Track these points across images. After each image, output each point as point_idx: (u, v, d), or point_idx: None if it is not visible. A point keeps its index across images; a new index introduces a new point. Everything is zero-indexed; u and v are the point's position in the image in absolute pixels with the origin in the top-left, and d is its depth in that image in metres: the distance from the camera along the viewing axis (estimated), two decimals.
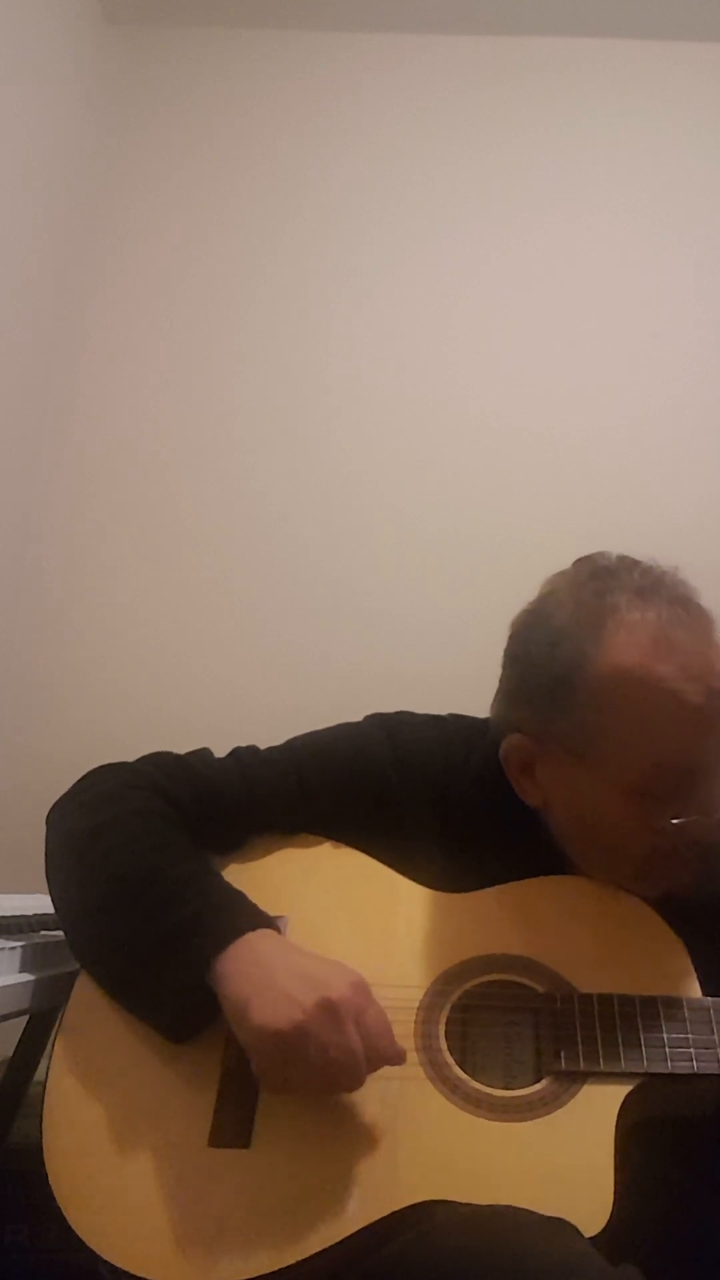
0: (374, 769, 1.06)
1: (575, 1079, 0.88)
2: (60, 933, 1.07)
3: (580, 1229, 0.76)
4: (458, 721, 1.13)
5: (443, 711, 1.15)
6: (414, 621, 2.17)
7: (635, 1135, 0.86)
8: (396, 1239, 0.78)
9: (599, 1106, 0.86)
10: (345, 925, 0.99)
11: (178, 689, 2.15)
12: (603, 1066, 0.88)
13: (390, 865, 1.03)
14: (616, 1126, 0.84)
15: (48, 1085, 0.91)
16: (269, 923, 0.92)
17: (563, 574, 1.03)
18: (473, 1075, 0.90)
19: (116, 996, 0.94)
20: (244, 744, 1.12)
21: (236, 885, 0.96)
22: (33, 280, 2.21)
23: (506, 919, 0.99)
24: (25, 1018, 1.23)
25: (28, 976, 1.02)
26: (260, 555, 2.25)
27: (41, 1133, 0.88)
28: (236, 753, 1.10)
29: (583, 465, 2.24)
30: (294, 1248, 0.80)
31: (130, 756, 1.10)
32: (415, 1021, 0.92)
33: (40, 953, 1.08)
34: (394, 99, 2.50)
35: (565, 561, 1.04)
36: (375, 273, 2.40)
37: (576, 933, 0.98)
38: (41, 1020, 1.34)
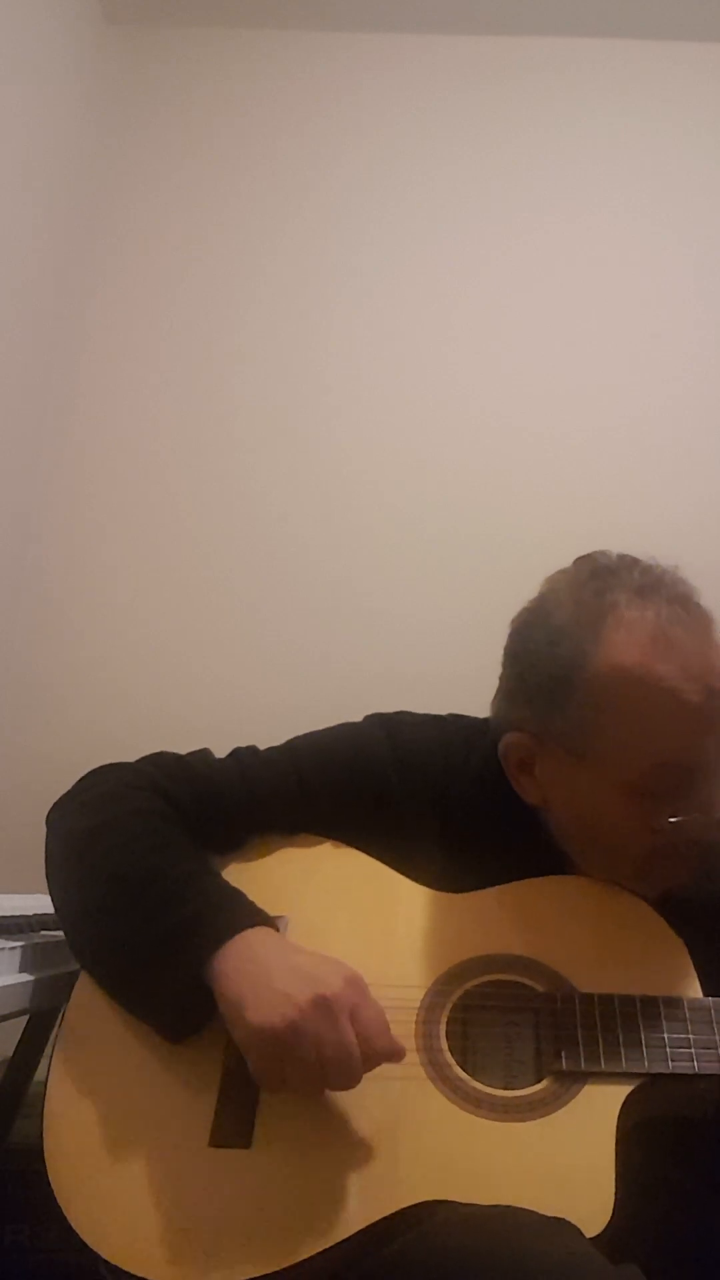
0: (374, 769, 1.05)
1: (576, 1079, 0.88)
2: (60, 933, 1.07)
3: (581, 1229, 0.76)
4: (458, 721, 1.13)
5: (443, 711, 1.15)
6: (414, 621, 2.17)
7: (636, 1135, 0.86)
8: (397, 1239, 0.78)
9: (600, 1106, 0.86)
10: (345, 925, 0.99)
11: (178, 689, 2.15)
12: (604, 1066, 0.88)
13: (390, 865, 1.03)
14: (617, 1126, 0.84)
15: (48, 1085, 0.91)
16: (267, 920, 0.92)
17: (563, 572, 1.03)
18: (473, 1075, 0.90)
19: (116, 996, 0.94)
20: (244, 744, 1.12)
21: (237, 885, 0.96)
22: (33, 280, 2.21)
23: (507, 919, 0.99)
24: (25, 1018, 1.23)
25: (28, 976, 1.02)
26: (260, 555, 2.25)
27: (42, 1133, 0.88)
28: (236, 753, 1.10)
29: (583, 465, 2.24)
30: (295, 1248, 0.80)
31: (130, 756, 1.10)
32: (416, 1021, 0.92)
33: (40, 953, 1.08)
34: (394, 99, 2.50)
35: (565, 561, 1.04)
36: (375, 273, 2.40)
37: (577, 933, 0.98)
38: (41, 1020, 1.34)
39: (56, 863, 1.01)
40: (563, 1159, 0.83)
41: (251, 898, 0.94)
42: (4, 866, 1.48)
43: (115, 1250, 0.81)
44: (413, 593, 2.20)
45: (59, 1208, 0.84)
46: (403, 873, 1.02)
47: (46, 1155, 0.87)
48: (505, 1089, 0.89)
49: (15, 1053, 1.39)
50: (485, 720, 1.07)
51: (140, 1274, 0.80)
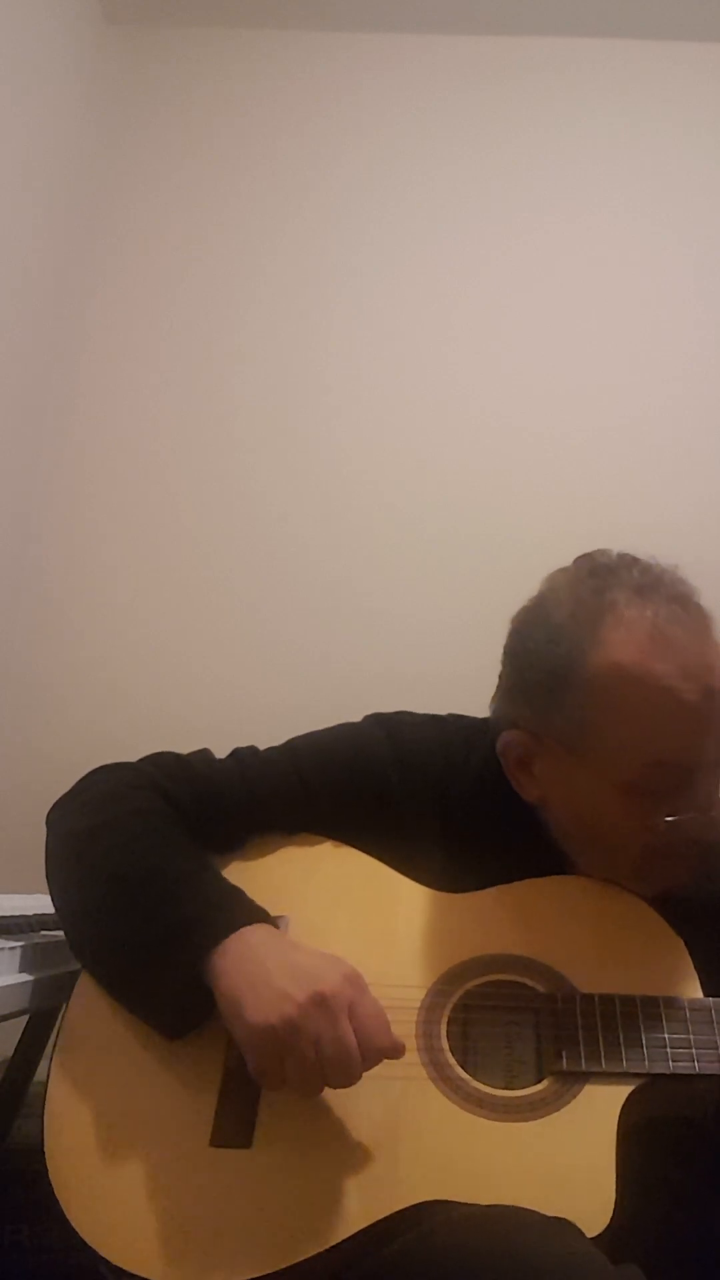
0: (374, 769, 1.06)
1: (577, 1079, 0.88)
2: (60, 933, 1.07)
3: (582, 1229, 0.76)
4: (458, 721, 1.13)
5: (443, 711, 1.15)
6: (414, 621, 2.17)
7: (637, 1135, 0.86)
8: (398, 1239, 0.78)
9: (600, 1106, 0.86)
10: (346, 925, 0.99)
11: (178, 689, 2.15)
12: (604, 1066, 0.88)
13: (390, 865, 1.03)
14: (618, 1126, 0.84)
15: (49, 1085, 0.91)
16: (266, 918, 0.92)
17: (563, 571, 1.03)
18: (474, 1075, 0.90)
19: (116, 995, 0.94)
20: (244, 744, 1.12)
21: (237, 885, 0.96)
22: (33, 280, 2.21)
23: (507, 919, 0.99)
24: (25, 1018, 1.23)
25: (27, 976, 1.02)
26: (260, 555, 2.25)
27: (42, 1133, 0.88)
28: (237, 753, 1.10)
29: (583, 465, 2.24)
30: (295, 1248, 0.80)
31: (130, 756, 1.10)
32: (416, 1021, 0.92)
33: (40, 953, 1.08)
34: (394, 99, 2.50)
35: (565, 561, 1.04)
36: (375, 273, 2.40)
37: (577, 933, 0.98)
38: (41, 1020, 1.34)
39: (56, 862, 1.01)
40: (563, 1159, 0.83)
41: (252, 897, 0.94)
42: (4, 866, 1.49)
43: (115, 1250, 0.81)
44: (413, 593, 2.20)
45: (59, 1207, 0.84)
46: (403, 873, 1.02)
47: (47, 1155, 0.87)
48: (506, 1089, 0.89)
49: (15, 1053, 1.39)
50: (485, 720, 1.07)
51: (140, 1273, 0.80)
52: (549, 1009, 0.92)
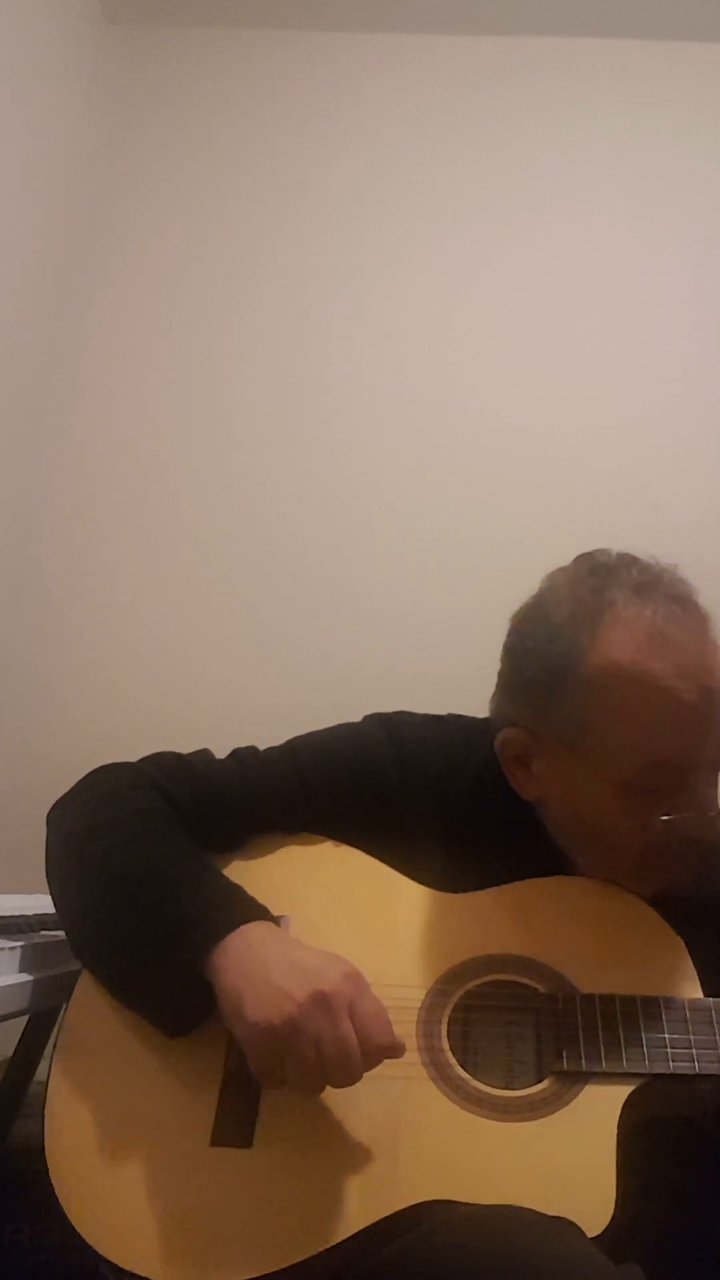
0: (375, 769, 1.06)
1: (577, 1079, 0.88)
2: (60, 933, 1.07)
3: (582, 1229, 0.76)
4: (458, 721, 1.13)
5: (443, 711, 1.15)
6: (414, 621, 2.17)
7: (637, 1135, 0.86)
8: (398, 1239, 0.78)
9: (601, 1106, 0.86)
10: (346, 925, 0.98)
11: (178, 689, 2.15)
12: (604, 1067, 0.88)
13: (391, 865, 1.03)
14: (618, 1126, 0.84)
15: (49, 1085, 0.91)
16: (266, 915, 0.92)
17: (563, 570, 1.03)
18: (474, 1075, 0.90)
19: (117, 994, 0.94)
20: (244, 744, 1.12)
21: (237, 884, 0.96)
22: (33, 280, 2.21)
23: (507, 919, 0.99)
24: (25, 1018, 1.23)
25: (27, 976, 1.02)
26: (260, 555, 2.25)
27: (42, 1132, 0.88)
28: (237, 753, 1.10)
29: (583, 465, 2.25)
30: (295, 1247, 0.80)
31: (130, 756, 1.10)
32: (417, 1021, 0.92)
33: (40, 953, 1.08)
34: (394, 99, 2.50)
35: (565, 561, 1.04)
36: (375, 273, 2.40)
37: (577, 933, 0.98)
38: (41, 1020, 1.34)
39: (57, 862, 1.01)
40: (564, 1159, 0.83)
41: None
42: (4, 866, 1.48)
43: (116, 1249, 0.81)
44: (413, 593, 2.20)
45: (59, 1207, 0.84)
46: (403, 873, 1.02)
47: (47, 1155, 0.87)
48: (506, 1089, 0.89)
49: (15, 1053, 1.39)
50: (485, 720, 1.07)
51: (141, 1273, 0.80)
52: (549, 1009, 0.92)
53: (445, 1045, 0.91)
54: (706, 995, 0.92)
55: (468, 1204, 0.79)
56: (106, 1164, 0.86)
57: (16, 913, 1.21)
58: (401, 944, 0.97)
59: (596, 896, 0.99)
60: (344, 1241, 0.80)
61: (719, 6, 2.42)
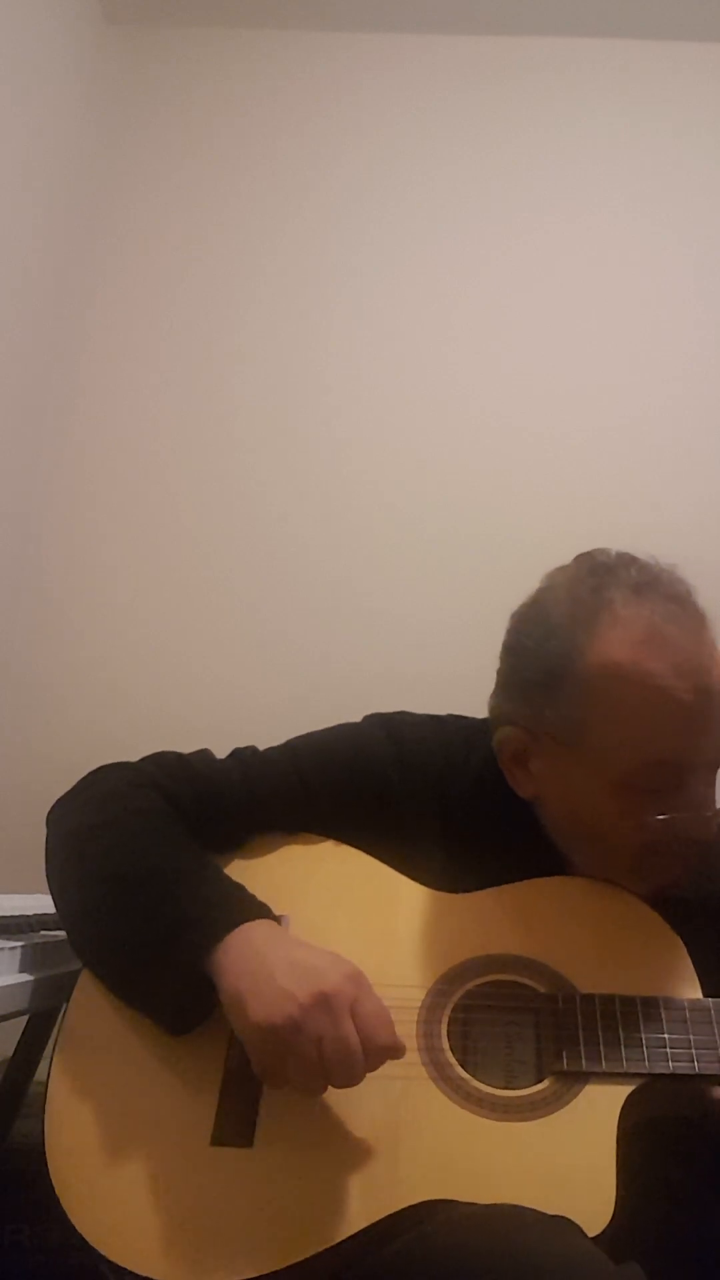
0: (375, 769, 1.06)
1: (577, 1079, 0.88)
2: (60, 933, 1.07)
3: (582, 1229, 0.76)
4: (457, 721, 1.13)
5: (443, 711, 1.15)
6: (414, 621, 2.17)
7: (637, 1135, 0.86)
8: (398, 1238, 0.78)
9: (601, 1106, 0.86)
10: (346, 925, 0.98)
11: (178, 689, 2.15)
12: (604, 1067, 0.88)
13: (391, 865, 1.03)
14: (618, 1126, 0.84)
15: (49, 1085, 0.91)
16: (267, 913, 0.92)
17: (562, 569, 1.03)
18: (474, 1075, 0.90)
19: (118, 993, 0.94)
20: (244, 744, 1.12)
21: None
22: (33, 280, 2.21)
23: (507, 919, 0.99)
24: (25, 1018, 1.23)
25: (27, 976, 1.02)
26: (260, 555, 2.25)
27: (42, 1132, 0.88)
28: (237, 753, 1.10)
29: (583, 465, 2.25)
30: (295, 1247, 0.80)
31: (130, 756, 1.10)
32: (417, 1021, 0.92)
33: (40, 953, 1.08)
34: (394, 99, 2.50)
35: (565, 562, 1.04)
36: (375, 273, 2.40)
37: (577, 933, 0.98)
38: (41, 1020, 1.34)
39: (57, 862, 1.01)
40: (564, 1159, 0.83)
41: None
42: (4, 866, 1.49)
43: (116, 1249, 0.81)
44: (413, 593, 2.20)
45: (59, 1207, 0.84)
46: (403, 873, 1.02)
47: (48, 1154, 0.87)
48: (506, 1089, 0.89)
49: (15, 1053, 1.39)
50: (485, 720, 1.07)
51: (141, 1273, 0.80)
52: (549, 1009, 0.92)
53: (445, 1045, 0.91)
54: (706, 995, 0.92)
55: (468, 1204, 0.79)
56: (107, 1163, 0.86)
57: (16, 913, 1.21)
58: (401, 944, 0.97)
59: (596, 897, 0.99)
60: (344, 1241, 0.80)
61: (719, 6, 2.42)
